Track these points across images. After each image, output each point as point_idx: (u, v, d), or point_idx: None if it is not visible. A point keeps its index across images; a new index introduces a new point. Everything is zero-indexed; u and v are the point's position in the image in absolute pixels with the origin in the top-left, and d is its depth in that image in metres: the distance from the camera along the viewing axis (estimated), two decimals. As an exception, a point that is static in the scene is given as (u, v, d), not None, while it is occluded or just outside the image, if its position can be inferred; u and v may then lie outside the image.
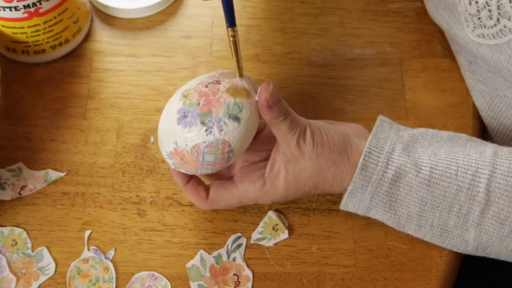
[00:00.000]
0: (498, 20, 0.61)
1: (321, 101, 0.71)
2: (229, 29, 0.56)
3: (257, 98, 0.57)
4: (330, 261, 0.63)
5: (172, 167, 0.58)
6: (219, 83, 0.57)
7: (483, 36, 0.63)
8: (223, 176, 0.63)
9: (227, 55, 0.73)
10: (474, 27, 0.64)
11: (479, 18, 0.62)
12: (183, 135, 0.55)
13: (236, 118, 0.55)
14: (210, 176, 0.63)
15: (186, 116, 0.55)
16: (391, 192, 0.58)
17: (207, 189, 0.61)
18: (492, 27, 0.62)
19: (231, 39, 0.56)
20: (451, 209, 0.58)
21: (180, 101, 0.56)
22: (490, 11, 0.61)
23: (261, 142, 0.62)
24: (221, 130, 0.55)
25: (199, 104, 0.55)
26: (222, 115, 0.55)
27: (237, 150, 0.56)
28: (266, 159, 0.61)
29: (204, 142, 0.55)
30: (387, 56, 0.73)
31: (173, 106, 0.57)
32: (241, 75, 0.57)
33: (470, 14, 0.63)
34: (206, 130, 0.55)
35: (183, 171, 0.58)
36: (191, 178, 0.60)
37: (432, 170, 0.58)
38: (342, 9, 0.76)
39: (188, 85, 0.58)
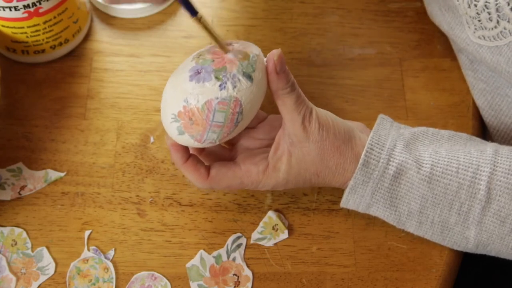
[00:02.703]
0: (498, 22, 0.61)
1: (321, 101, 0.70)
2: (193, 18, 0.56)
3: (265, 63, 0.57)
4: (330, 261, 0.63)
5: (176, 133, 0.56)
6: (232, 46, 0.57)
7: (484, 37, 0.63)
8: (224, 158, 0.62)
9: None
10: (475, 29, 0.64)
11: (479, 20, 0.62)
12: (195, 90, 0.55)
13: (249, 77, 0.55)
14: (210, 158, 0.62)
15: (199, 73, 0.55)
16: (392, 189, 0.58)
17: (207, 168, 0.59)
18: (492, 29, 0.62)
19: (200, 25, 0.56)
20: (452, 207, 0.58)
21: (193, 61, 0.56)
22: (489, 13, 0.61)
23: (262, 131, 0.62)
24: (234, 87, 0.55)
25: (213, 61, 0.56)
26: (236, 71, 0.55)
27: (246, 114, 0.56)
28: (267, 146, 0.61)
29: (217, 98, 0.55)
30: (387, 56, 0.73)
31: (184, 67, 0.57)
32: (227, 51, 0.57)
33: (470, 17, 0.63)
34: (220, 85, 0.55)
35: (187, 136, 0.56)
36: (190, 156, 0.59)
37: (433, 167, 0.58)
38: (342, 9, 0.76)
39: (200, 50, 0.58)
